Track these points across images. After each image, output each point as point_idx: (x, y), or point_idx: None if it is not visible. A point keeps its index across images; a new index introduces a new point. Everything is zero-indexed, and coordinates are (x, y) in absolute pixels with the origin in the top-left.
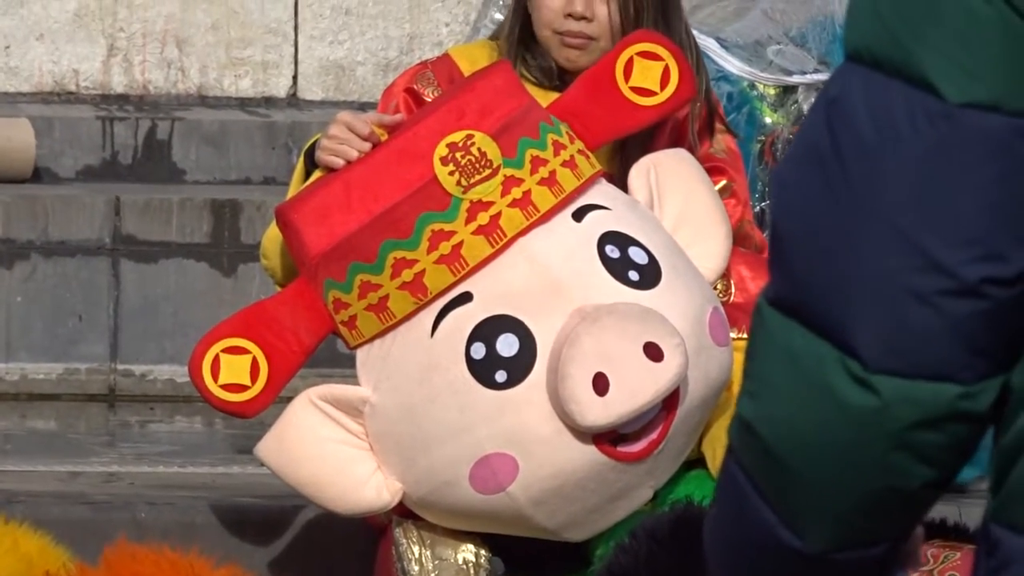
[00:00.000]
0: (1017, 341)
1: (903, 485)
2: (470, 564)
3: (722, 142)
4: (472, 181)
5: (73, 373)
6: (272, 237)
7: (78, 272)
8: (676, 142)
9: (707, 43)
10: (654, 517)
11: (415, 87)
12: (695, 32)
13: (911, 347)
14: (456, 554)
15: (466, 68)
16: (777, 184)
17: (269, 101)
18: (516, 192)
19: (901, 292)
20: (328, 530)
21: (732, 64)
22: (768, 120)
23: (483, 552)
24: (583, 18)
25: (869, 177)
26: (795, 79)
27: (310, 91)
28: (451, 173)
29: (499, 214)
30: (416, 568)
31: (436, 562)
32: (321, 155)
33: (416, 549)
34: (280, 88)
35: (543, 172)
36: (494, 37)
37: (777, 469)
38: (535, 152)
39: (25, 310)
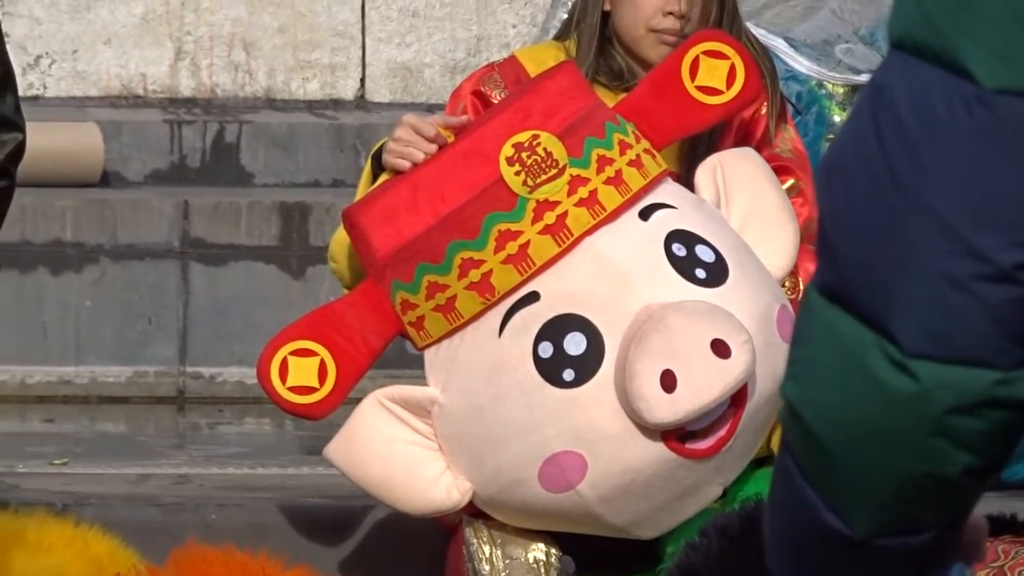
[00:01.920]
0: None
1: (943, 471)
2: (540, 563)
3: (788, 142)
4: (538, 181)
5: (142, 376)
6: (340, 240)
7: (147, 275)
8: (743, 141)
9: (775, 43)
10: (725, 515)
11: (482, 89)
12: (764, 32)
13: (948, 332)
14: (527, 553)
15: (532, 70)
16: (823, 170)
17: (337, 103)
18: (582, 191)
19: (937, 277)
20: (398, 531)
21: (801, 63)
22: (837, 119)
23: (553, 551)
24: (682, 16)
25: (908, 162)
26: (864, 78)
27: (378, 93)
28: (517, 173)
29: (565, 213)
30: (487, 567)
31: (507, 561)
32: (388, 157)
33: (487, 548)
34: (348, 90)
35: (609, 171)
36: (559, 37)
37: (819, 452)
38: (601, 151)
39: (94, 314)
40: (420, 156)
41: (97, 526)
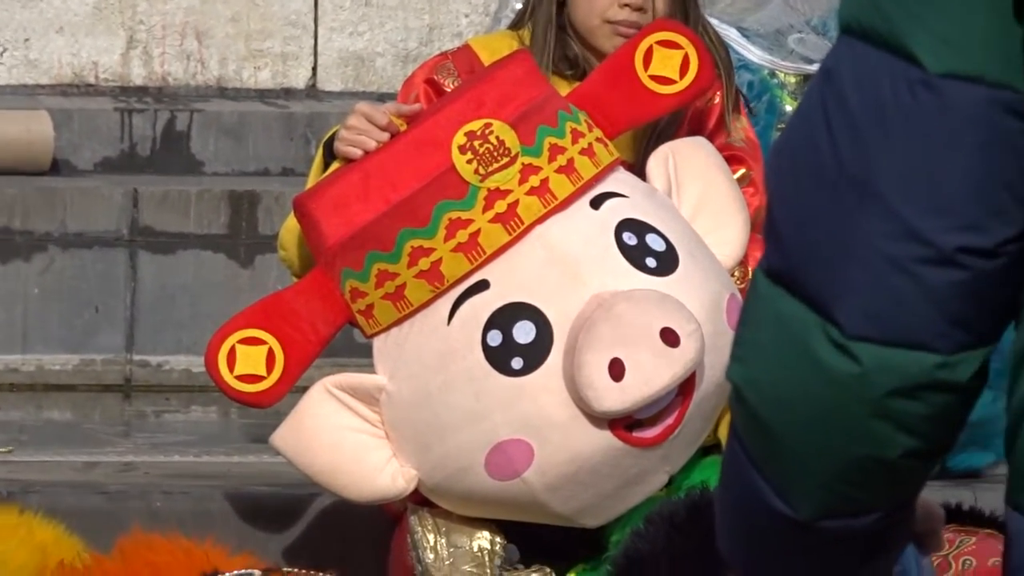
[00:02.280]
0: (1001, 314)
1: (884, 454)
2: (485, 551)
3: (741, 131)
4: (490, 169)
5: (89, 364)
6: (290, 228)
7: (95, 264)
8: (696, 130)
9: (728, 32)
10: (671, 503)
11: (435, 78)
12: (716, 21)
13: (888, 314)
14: (471, 541)
15: (486, 59)
16: (773, 155)
17: (288, 92)
18: (534, 180)
19: (879, 259)
20: (343, 518)
21: (753, 53)
22: (788, 108)
23: (498, 539)
24: (639, 8)
25: (853, 145)
26: (816, 67)
27: (329, 82)
28: (469, 161)
29: (517, 202)
30: (431, 556)
31: (451, 549)
32: (340, 146)
33: (431, 537)
34: (299, 79)
35: (561, 160)
36: (514, 27)
37: (764, 434)
38: (553, 140)
39: (42, 302)
40: (372, 144)
41: (42, 514)
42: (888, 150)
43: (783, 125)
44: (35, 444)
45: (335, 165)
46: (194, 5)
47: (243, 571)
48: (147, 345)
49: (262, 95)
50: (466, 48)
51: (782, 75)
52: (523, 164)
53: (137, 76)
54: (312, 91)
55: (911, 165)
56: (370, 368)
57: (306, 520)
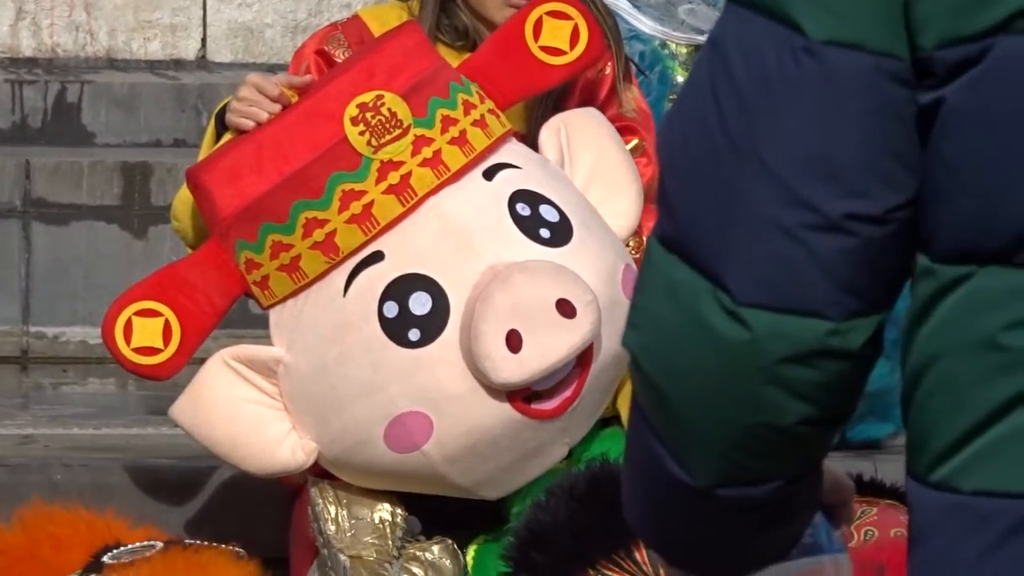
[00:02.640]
0: (894, 281)
1: (778, 421)
2: (386, 523)
3: (632, 102)
4: (382, 141)
5: None
6: (183, 199)
7: None
8: (588, 101)
9: (619, 3)
10: (571, 475)
11: (325, 49)
12: None
13: (779, 281)
14: (372, 513)
15: (376, 29)
16: (663, 124)
17: (178, 64)
18: (427, 152)
19: (768, 226)
20: (243, 490)
21: (644, 23)
22: (680, 79)
23: (399, 511)
24: None
25: (739, 113)
26: (706, 38)
27: (219, 53)
28: (361, 133)
29: (410, 174)
30: (332, 528)
31: (352, 521)
32: (231, 117)
33: (332, 509)
34: (189, 51)
35: (454, 132)
36: None
37: (659, 401)
38: (445, 112)
39: None
40: (264, 116)
41: None
42: (773, 118)
43: (675, 96)
44: None
45: (227, 136)
46: None
47: (145, 543)
48: (43, 316)
49: (152, 66)
50: (356, 19)
51: (673, 46)
52: (415, 136)
53: (27, 47)
54: (202, 62)
55: (797, 133)
56: (267, 340)
57: (207, 492)
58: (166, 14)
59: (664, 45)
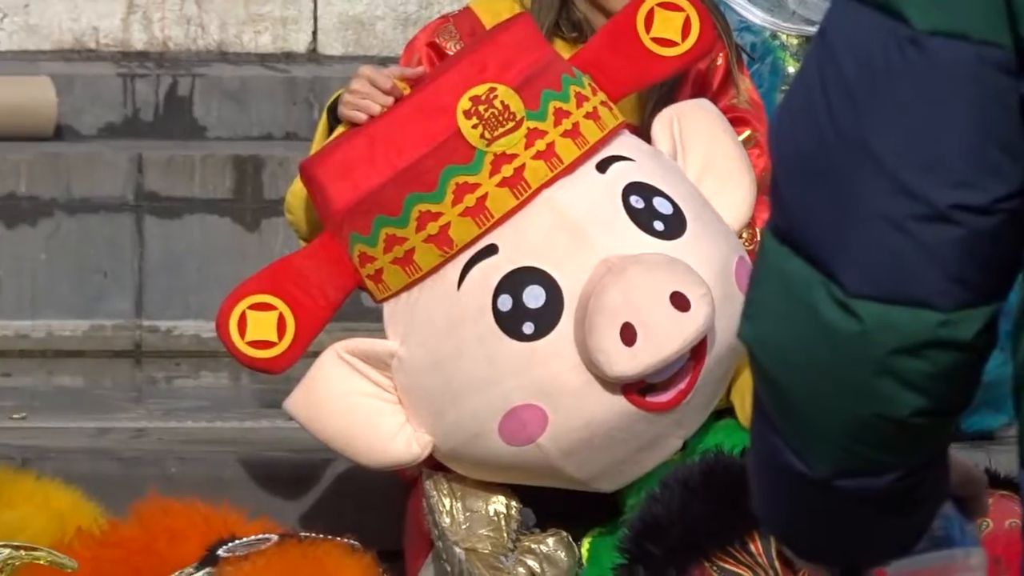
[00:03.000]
0: (1005, 271)
1: (893, 412)
2: (501, 515)
3: (744, 92)
4: (496, 134)
5: (99, 330)
6: (296, 192)
7: (102, 229)
8: (699, 92)
9: None
10: (686, 466)
11: (437, 41)
12: None
13: (888, 272)
14: (487, 505)
15: (488, 21)
16: (776, 116)
17: (289, 57)
18: (540, 144)
19: (876, 216)
20: (358, 483)
21: (754, 14)
22: (791, 70)
23: (514, 503)
24: None
25: (846, 104)
26: (817, 28)
27: (330, 46)
28: (474, 126)
29: (523, 166)
30: (447, 520)
31: (467, 514)
32: (343, 109)
33: (447, 501)
34: (300, 43)
35: (566, 124)
36: None
37: (775, 393)
38: (558, 104)
39: (50, 267)
40: (376, 108)
41: (58, 480)
42: (880, 109)
43: (786, 87)
44: (47, 410)
45: (339, 129)
46: None
47: (260, 536)
48: (156, 310)
49: (263, 59)
50: (467, 11)
51: (784, 37)
52: (528, 128)
53: (138, 41)
54: (313, 55)
55: (902, 124)
56: (380, 333)
57: (322, 485)
58: (277, 7)
59: (775, 36)
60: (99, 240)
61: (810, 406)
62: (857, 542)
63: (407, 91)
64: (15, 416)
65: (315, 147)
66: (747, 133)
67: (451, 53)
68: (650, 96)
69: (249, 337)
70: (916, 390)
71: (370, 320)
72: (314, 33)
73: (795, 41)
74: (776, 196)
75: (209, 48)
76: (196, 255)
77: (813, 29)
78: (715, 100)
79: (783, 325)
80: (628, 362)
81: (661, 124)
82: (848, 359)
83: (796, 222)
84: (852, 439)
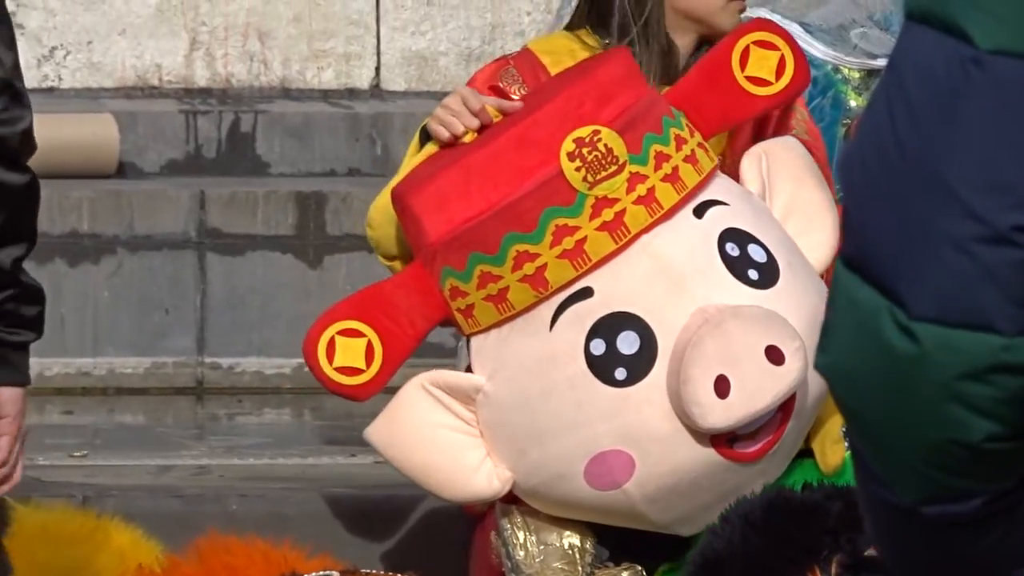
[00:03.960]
0: None
1: (965, 438)
2: (575, 548)
3: (803, 123)
4: (598, 177)
5: (160, 367)
6: (380, 207)
7: (164, 266)
8: (762, 125)
9: (791, 28)
10: (747, 502)
11: (500, 84)
12: (779, 17)
13: (951, 295)
14: (561, 539)
15: (548, 62)
16: (846, 146)
17: (352, 92)
18: (641, 189)
19: (939, 239)
20: (422, 518)
21: (816, 48)
22: (853, 103)
23: (589, 538)
24: None
25: (911, 125)
26: (879, 62)
27: (393, 82)
28: (577, 169)
29: (624, 211)
30: (522, 553)
31: (542, 547)
32: (431, 123)
33: (521, 535)
34: (363, 79)
35: (666, 168)
36: (571, 27)
37: (854, 421)
38: (659, 148)
39: (112, 304)
40: (460, 128)
41: (118, 517)
42: (943, 129)
43: (848, 120)
44: (108, 448)
45: (430, 148)
46: (256, 6)
47: (322, 572)
48: (218, 347)
49: (326, 95)
50: (527, 52)
51: (846, 70)
52: (631, 173)
53: (200, 78)
54: (376, 91)
55: (966, 145)
56: (445, 366)
57: (383, 521)
58: (340, 43)
59: (837, 70)
60: (161, 277)
61: (886, 433)
62: (964, 568)
63: (497, 118)
64: (76, 454)
65: (405, 163)
66: None
67: (515, 97)
68: (737, 132)
69: (337, 363)
70: (986, 415)
71: (436, 356)
72: (377, 69)
73: (856, 75)
74: (846, 223)
75: (272, 84)
76: (258, 292)
77: (875, 63)
78: (777, 131)
79: (853, 353)
80: (721, 414)
81: (750, 162)
82: (912, 384)
83: (864, 248)
84: (930, 466)
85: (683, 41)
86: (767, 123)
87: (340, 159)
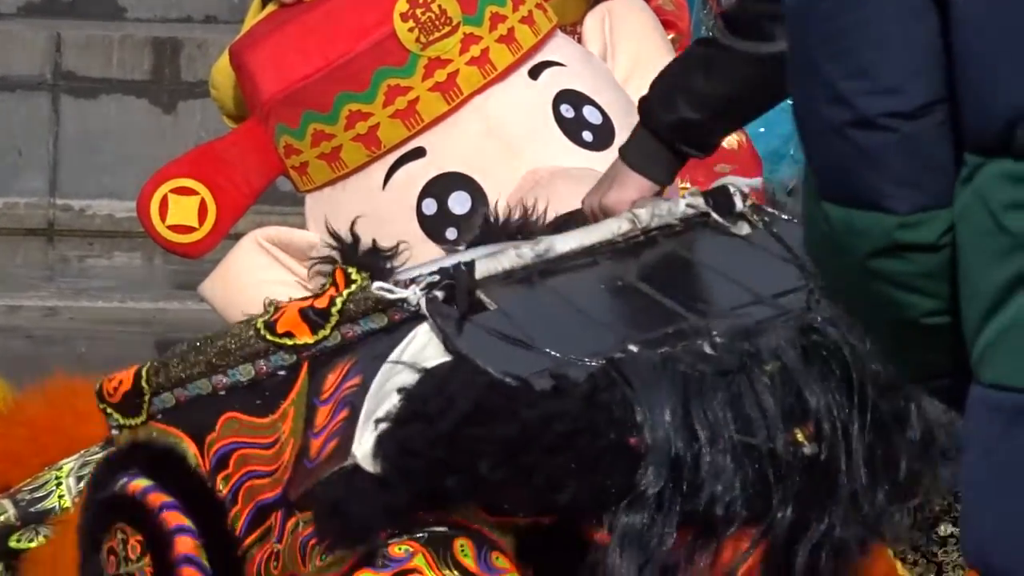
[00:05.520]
0: (954, 173)
1: (909, 316)
2: None
3: None
4: (431, 38)
5: (12, 207)
6: (222, 68)
7: (18, 107)
8: None
9: None
10: None
11: None
12: None
13: (839, 177)
14: None
15: None
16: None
17: None
18: (475, 50)
19: (822, 124)
20: None
21: None
22: None
23: None
24: None
25: (799, 20)
26: None
27: None
28: (411, 29)
29: (456, 72)
30: None
31: None
32: None
33: None
34: None
35: (502, 29)
36: None
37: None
38: (495, 8)
39: None
40: None
41: None
42: (816, 18)
43: None
44: None
45: (272, 7)
46: None
47: None
48: (70, 189)
49: None
50: None
51: None
52: (464, 34)
53: None
54: None
55: (835, 33)
56: (293, 216)
57: None
58: None
59: None
60: (15, 118)
61: (855, 314)
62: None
63: None
64: None
65: (246, 24)
66: (672, 36)
67: None
68: None
69: (170, 221)
70: (916, 291)
71: (285, 204)
72: None
73: None
74: None
75: None
76: (112, 135)
77: None
78: None
79: (809, 231)
80: None
81: (593, 22)
82: (841, 260)
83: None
84: (898, 344)
85: None
86: None
87: (197, 6)
